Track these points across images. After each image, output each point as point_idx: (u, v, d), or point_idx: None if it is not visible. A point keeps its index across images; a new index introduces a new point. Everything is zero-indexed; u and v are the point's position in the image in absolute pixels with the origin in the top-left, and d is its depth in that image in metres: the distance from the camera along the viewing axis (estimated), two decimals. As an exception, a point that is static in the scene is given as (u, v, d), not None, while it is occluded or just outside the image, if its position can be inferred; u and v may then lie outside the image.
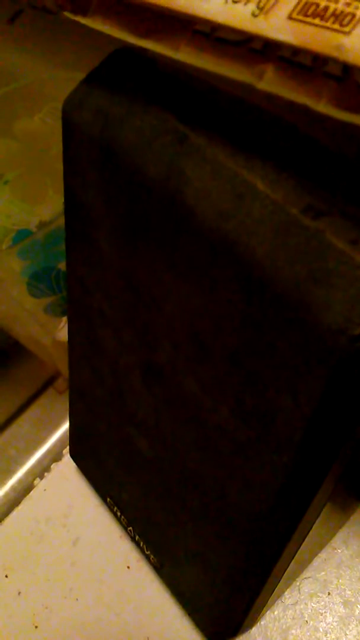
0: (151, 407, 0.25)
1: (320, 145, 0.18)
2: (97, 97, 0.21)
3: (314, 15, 0.14)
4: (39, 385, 0.48)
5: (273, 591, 0.30)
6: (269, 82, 0.15)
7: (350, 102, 0.14)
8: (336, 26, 0.13)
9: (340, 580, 0.34)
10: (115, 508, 0.35)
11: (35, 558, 0.37)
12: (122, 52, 0.21)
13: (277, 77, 0.15)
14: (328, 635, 0.33)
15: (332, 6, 0.13)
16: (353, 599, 0.34)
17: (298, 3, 0.14)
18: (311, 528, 0.25)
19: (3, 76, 0.34)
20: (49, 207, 0.37)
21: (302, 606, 0.34)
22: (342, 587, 0.34)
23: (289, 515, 0.22)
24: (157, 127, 0.19)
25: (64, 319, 0.41)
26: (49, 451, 0.44)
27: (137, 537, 0.34)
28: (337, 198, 0.17)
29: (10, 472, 0.43)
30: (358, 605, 0.33)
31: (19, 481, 0.43)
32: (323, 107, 0.14)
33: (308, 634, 0.33)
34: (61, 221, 0.26)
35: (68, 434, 0.37)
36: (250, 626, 0.33)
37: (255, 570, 0.25)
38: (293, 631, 0.33)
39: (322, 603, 0.34)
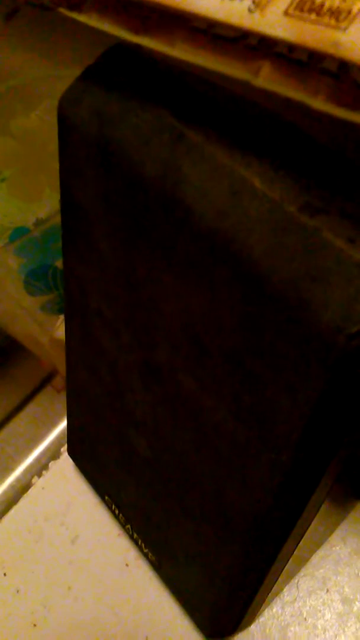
0: (150, 406, 0.25)
1: (317, 142, 0.18)
2: (93, 94, 0.21)
3: (310, 11, 0.13)
4: (36, 383, 0.48)
5: (271, 589, 0.30)
6: (265, 78, 0.15)
7: (347, 99, 0.14)
8: (332, 22, 0.13)
9: (338, 578, 0.34)
10: (114, 506, 0.35)
11: (34, 556, 0.37)
12: (118, 48, 0.21)
13: (274, 73, 0.15)
14: (326, 632, 0.33)
15: (328, 2, 0.13)
16: (351, 596, 0.34)
17: (294, -1, 0.14)
18: (309, 526, 0.25)
19: (0, 74, 0.34)
20: (46, 204, 0.37)
21: (300, 603, 0.34)
22: (340, 584, 0.34)
23: (288, 514, 0.22)
24: (154, 125, 0.19)
25: (61, 316, 0.41)
26: (47, 449, 0.44)
27: (135, 535, 0.34)
28: (334, 196, 0.16)
29: (8, 470, 0.43)
30: (356, 602, 0.33)
31: (17, 479, 0.43)
32: (319, 104, 0.14)
33: (307, 631, 0.33)
34: (58, 219, 0.26)
35: (66, 432, 0.37)
36: (249, 624, 0.33)
37: (253, 568, 0.25)
38: (292, 628, 0.33)
39: (321, 600, 0.34)
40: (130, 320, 0.24)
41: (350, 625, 0.33)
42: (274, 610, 0.33)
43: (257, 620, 0.33)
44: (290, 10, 0.14)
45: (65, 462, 0.40)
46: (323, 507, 0.24)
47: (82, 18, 0.18)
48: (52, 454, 0.43)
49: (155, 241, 0.20)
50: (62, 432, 0.45)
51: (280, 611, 0.33)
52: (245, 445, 0.21)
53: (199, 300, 0.19)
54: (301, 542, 0.26)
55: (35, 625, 0.34)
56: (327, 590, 0.34)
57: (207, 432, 0.22)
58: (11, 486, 0.42)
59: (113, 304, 0.24)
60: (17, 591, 0.35)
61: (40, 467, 0.42)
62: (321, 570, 0.35)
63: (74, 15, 0.18)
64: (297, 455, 0.19)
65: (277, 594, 0.34)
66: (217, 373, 0.20)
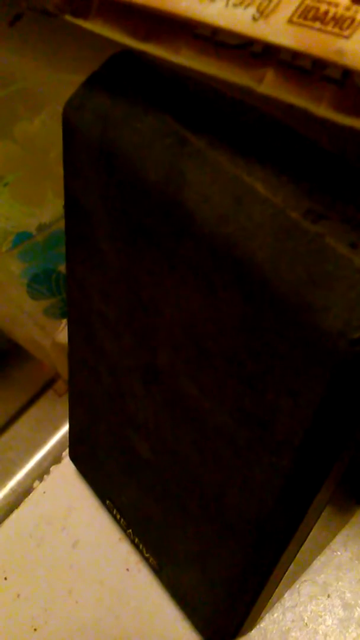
0: (151, 409, 0.25)
1: (319, 148, 0.18)
2: (97, 100, 0.21)
3: (314, 19, 0.14)
4: (38, 387, 0.48)
5: (272, 594, 0.30)
6: (269, 85, 0.15)
7: (350, 106, 0.14)
8: (336, 30, 0.13)
9: (339, 583, 0.34)
10: (115, 510, 0.35)
11: (35, 560, 0.37)
12: (122, 55, 0.21)
13: (277, 80, 0.15)
14: (327, 637, 0.33)
15: (332, 10, 0.13)
16: (352, 602, 0.34)
17: (298, 7, 0.14)
18: (311, 531, 0.25)
19: (3, 78, 0.34)
20: (49, 209, 0.37)
21: (301, 609, 0.34)
22: (341, 589, 0.34)
23: (289, 518, 0.22)
24: (157, 130, 0.19)
25: (64, 321, 0.41)
26: (48, 453, 0.44)
27: (136, 540, 0.34)
28: (336, 201, 0.17)
29: (9, 475, 0.43)
30: (357, 608, 0.33)
31: (19, 483, 0.43)
32: (323, 111, 0.14)
33: (308, 636, 0.33)
34: (61, 224, 0.26)
35: (68, 436, 0.37)
36: (250, 629, 0.33)
37: (254, 573, 0.25)
38: (292, 634, 0.33)
39: (322, 605, 0.34)
40: (132, 323, 0.24)
41: (352, 631, 0.33)
42: (275, 615, 0.33)
43: (257, 625, 0.33)
44: (295, 18, 0.14)
45: (66, 466, 0.40)
46: (324, 513, 0.24)
47: (87, 25, 0.18)
48: (53, 458, 0.43)
49: (157, 244, 0.20)
50: (63, 436, 0.45)
51: (281, 616, 0.33)
52: (247, 449, 0.21)
53: (201, 304, 0.20)
54: (302, 547, 0.26)
55: (35, 629, 0.34)
56: (329, 596, 0.34)
57: (209, 435, 0.22)
58: (12, 490, 0.42)
59: (115, 306, 0.24)
60: (18, 595, 0.35)
61: (41, 471, 0.42)
62: (322, 576, 0.35)
63: (79, 22, 0.19)
64: (298, 459, 0.19)
65: (278, 599, 0.34)
66: (218, 376, 0.20)
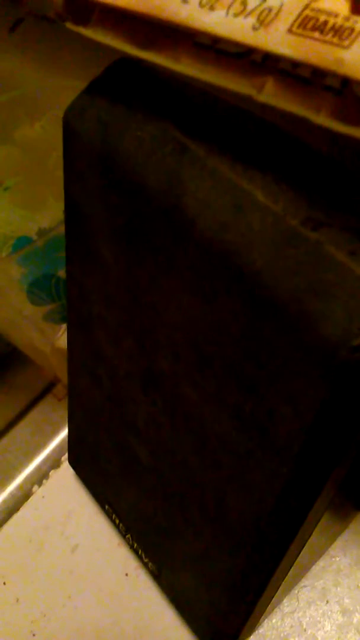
0: (151, 415, 0.25)
1: (319, 155, 0.18)
2: (98, 106, 0.21)
3: (314, 29, 0.14)
4: (38, 391, 0.48)
5: (271, 599, 0.29)
6: (269, 94, 0.15)
7: (349, 115, 0.14)
8: (335, 40, 0.13)
9: (338, 589, 0.34)
10: (114, 515, 0.35)
11: (34, 565, 0.37)
12: (122, 62, 0.21)
13: (277, 89, 0.15)
14: (326, 643, 0.33)
15: (332, 20, 0.13)
16: (351, 607, 0.34)
17: (298, 17, 0.14)
18: (310, 536, 0.25)
19: (4, 83, 0.35)
20: (49, 214, 0.37)
21: (300, 614, 0.34)
22: (340, 595, 0.34)
23: (288, 524, 0.22)
24: (157, 137, 0.19)
25: (64, 326, 0.41)
26: (47, 458, 0.44)
27: (135, 545, 0.34)
28: (336, 209, 0.17)
29: (8, 479, 0.43)
30: (356, 614, 0.33)
31: (18, 488, 0.43)
32: (322, 120, 0.14)
33: (306, 642, 0.33)
34: (61, 229, 0.26)
35: (67, 440, 0.37)
36: (249, 634, 0.33)
37: (253, 578, 0.25)
38: (291, 639, 0.33)
39: (321, 611, 0.34)
40: (132, 327, 0.24)
41: (350, 637, 0.33)
42: (274, 621, 0.33)
43: (256, 631, 0.33)
44: (294, 28, 0.14)
45: (65, 471, 0.40)
46: (324, 518, 0.24)
47: (87, 32, 0.18)
48: (52, 463, 0.43)
49: (157, 251, 0.20)
50: (63, 441, 0.45)
51: (279, 622, 0.33)
52: (247, 455, 0.21)
53: (200, 310, 0.20)
54: (301, 553, 0.26)
55: (34, 634, 0.34)
56: (327, 602, 0.34)
57: (209, 441, 0.22)
58: (11, 495, 0.42)
59: (115, 311, 0.24)
60: (17, 600, 0.35)
61: (40, 476, 0.42)
62: (321, 581, 0.35)
63: (80, 29, 0.19)
64: (298, 464, 0.19)
65: (276, 604, 0.34)
66: (218, 382, 0.21)
